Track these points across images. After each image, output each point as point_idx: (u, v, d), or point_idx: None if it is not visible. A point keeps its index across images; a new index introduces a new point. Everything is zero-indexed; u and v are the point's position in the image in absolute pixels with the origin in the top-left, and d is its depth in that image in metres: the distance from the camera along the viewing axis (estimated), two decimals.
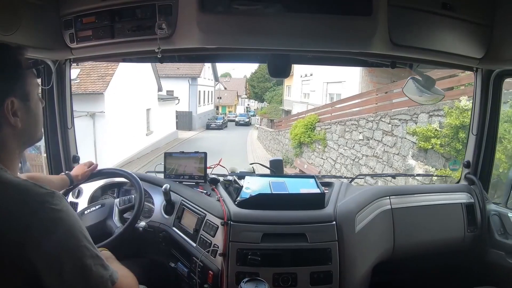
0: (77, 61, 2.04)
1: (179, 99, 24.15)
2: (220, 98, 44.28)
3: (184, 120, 27.33)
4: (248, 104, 55.73)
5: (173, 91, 26.41)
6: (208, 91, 35.54)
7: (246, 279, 1.39)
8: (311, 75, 20.41)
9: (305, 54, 1.95)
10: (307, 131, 13.30)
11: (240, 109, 49.13)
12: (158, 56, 1.57)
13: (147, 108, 17.71)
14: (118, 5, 1.54)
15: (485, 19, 1.63)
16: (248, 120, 37.41)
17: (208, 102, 35.43)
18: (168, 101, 22.20)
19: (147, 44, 1.56)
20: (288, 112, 27.59)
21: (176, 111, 24.82)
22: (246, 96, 52.21)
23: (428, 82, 1.84)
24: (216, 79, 38.55)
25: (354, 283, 1.65)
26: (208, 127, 31.68)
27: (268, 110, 34.63)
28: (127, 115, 14.45)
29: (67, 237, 0.81)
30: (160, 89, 19.91)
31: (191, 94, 28.86)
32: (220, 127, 32.12)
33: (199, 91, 30.65)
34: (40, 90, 1.04)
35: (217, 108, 44.13)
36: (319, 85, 18.85)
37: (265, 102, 44.95)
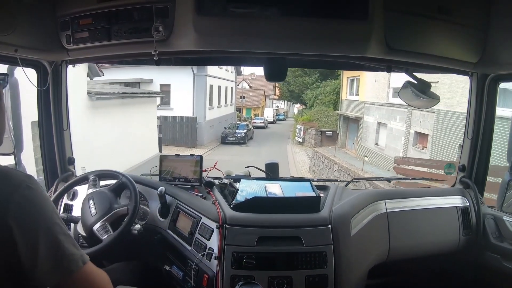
0: (73, 63, 2.03)
1: (162, 96, 15.21)
2: (244, 98, 36.20)
3: (183, 132, 18.51)
4: (277, 106, 46.42)
5: (169, 85, 18.74)
6: (226, 87, 25.30)
7: (241, 282, 1.40)
8: None
9: (301, 57, 1.95)
10: None
11: (269, 112, 38.87)
12: (155, 58, 1.57)
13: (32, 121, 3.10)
14: (115, 7, 1.54)
15: (480, 23, 1.65)
16: None
17: (226, 102, 25.45)
18: (125, 100, 11.25)
19: (144, 47, 1.56)
20: (352, 120, 18.82)
21: (164, 116, 16.53)
22: (276, 97, 42.75)
23: (424, 86, 1.85)
24: (239, 72, 28.50)
25: (350, 286, 1.65)
26: (225, 141, 21.20)
27: (314, 116, 23.03)
28: None
29: (42, 213, 0.87)
30: (96, 75, 10.10)
31: (196, 90, 19.30)
32: (241, 141, 21.18)
33: (211, 86, 20.73)
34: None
35: (239, 110, 34.17)
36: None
37: (295, 104, 36.62)
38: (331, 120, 21.93)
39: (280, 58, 1.82)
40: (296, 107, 39.69)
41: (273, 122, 36.80)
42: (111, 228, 1.73)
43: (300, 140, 22.09)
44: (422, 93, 1.84)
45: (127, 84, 14.94)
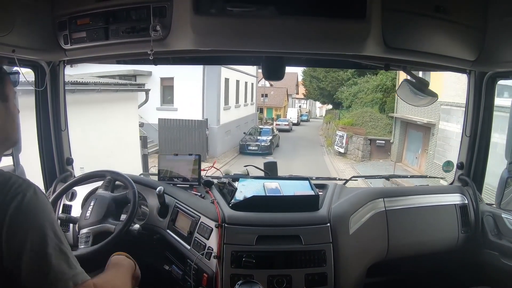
0: (71, 63, 2.03)
1: (146, 90, 10.58)
2: (266, 96, 31.16)
3: (189, 140, 14.15)
4: (300, 106, 41.80)
5: (172, 78, 14.56)
6: (246, 83, 20.92)
7: (241, 281, 1.40)
8: None
9: (299, 56, 1.95)
10: None
11: (293, 112, 34.27)
12: (151, 58, 1.57)
13: None
14: (113, 7, 1.54)
15: (478, 21, 1.65)
16: None
17: (245, 101, 21.05)
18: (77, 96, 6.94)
19: (142, 46, 1.56)
20: (413, 127, 14.48)
21: (162, 119, 13.84)
22: (302, 95, 37.56)
23: (422, 84, 1.85)
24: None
25: (349, 284, 1.66)
26: (244, 151, 16.80)
27: (357, 120, 18.19)
28: None
29: (33, 221, 0.84)
30: None
31: (207, 85, 15.00)
32: (265, 151, 16.46)
33: (226, 80, 16.47)
34: (16, 98, 1.06)
35: (260, 111, 29.07)
36: None
37: (318, 104, 32.77)
38: (380, 125, 17.41)
39: (278, 57, 1.83)
40: (318, 107, 36.76)
41: (297, 124, 32.46)
42: (93, 240, 1.68)
43: (341, 150, 17.35)
44: (421, 91, 1.84)
45: (122, 77, 12.46)
